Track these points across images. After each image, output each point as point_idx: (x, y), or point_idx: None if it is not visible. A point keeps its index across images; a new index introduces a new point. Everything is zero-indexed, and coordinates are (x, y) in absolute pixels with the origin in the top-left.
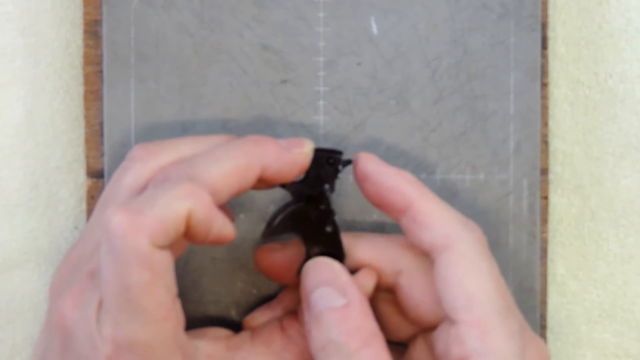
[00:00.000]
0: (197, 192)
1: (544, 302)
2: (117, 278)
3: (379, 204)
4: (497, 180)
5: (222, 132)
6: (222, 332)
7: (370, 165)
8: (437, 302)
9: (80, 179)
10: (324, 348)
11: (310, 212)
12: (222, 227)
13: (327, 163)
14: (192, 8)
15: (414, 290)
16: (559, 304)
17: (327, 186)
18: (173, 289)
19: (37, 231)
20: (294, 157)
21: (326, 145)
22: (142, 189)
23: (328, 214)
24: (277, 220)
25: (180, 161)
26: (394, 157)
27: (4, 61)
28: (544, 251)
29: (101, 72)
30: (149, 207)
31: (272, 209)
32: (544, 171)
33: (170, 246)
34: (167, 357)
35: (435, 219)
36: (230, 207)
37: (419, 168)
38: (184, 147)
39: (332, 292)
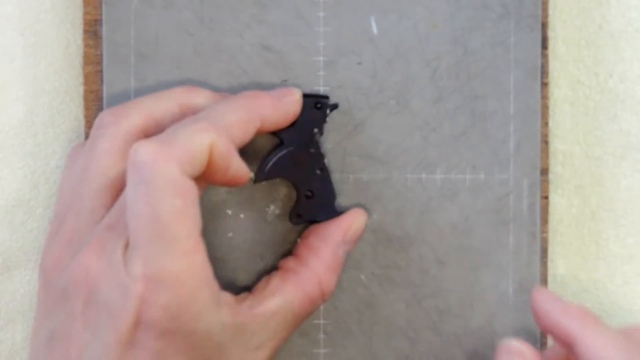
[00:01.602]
0: (217, 128)
1: None
2: (147, 207)
3: (550, 334)
4: (497, 180)
5: None
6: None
7: (540, 299)
8: None
9: None
10: None
11: (301, 155)
12: (239, 165)
13: (316, 108)
14: (192, 8)
15: None
16: None
17: (316, 130)
18: (200, 223)
19: (37, 231)
20: (287, 105)
21: (326, 144)
22: (121, 152)
23: (318, 157)
24: (270, 164)
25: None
26: (394, 156)
27: (4, 61)
28: (544, 251)
29: (101, 72)
30: (174, 138)
31: (272, 208)
32: (544, 171)
33: (196, 179)
34: (197, 291)
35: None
36: (230, 206)
37: (419, 168)
38: (150, 103)
39: None
